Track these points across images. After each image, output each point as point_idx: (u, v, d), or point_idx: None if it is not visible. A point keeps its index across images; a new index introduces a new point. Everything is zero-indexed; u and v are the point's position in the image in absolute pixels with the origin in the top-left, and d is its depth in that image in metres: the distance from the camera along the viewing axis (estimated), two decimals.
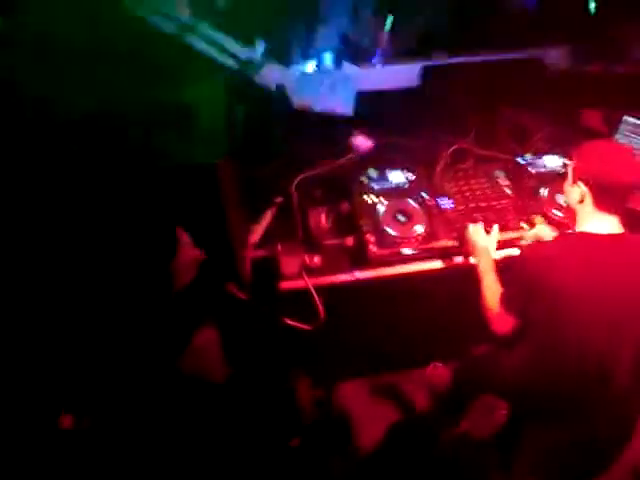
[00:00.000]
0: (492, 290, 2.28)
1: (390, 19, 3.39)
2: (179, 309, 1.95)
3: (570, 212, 2.20)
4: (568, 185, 2.16)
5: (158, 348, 1.89)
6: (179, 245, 1.91)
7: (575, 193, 2.11)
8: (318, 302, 2.44)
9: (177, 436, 1.97)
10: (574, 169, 2.14)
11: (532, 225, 2.59)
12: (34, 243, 2.21)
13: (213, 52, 2.90)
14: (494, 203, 2.62)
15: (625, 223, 2.09)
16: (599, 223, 2.06)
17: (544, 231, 2.52)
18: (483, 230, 2.48)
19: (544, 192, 2.69)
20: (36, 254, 2.19)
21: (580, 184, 2.08)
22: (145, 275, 1.87)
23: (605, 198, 2.05)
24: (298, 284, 2.45)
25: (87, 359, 1.93)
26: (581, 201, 2.09)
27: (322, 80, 2.96)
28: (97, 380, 1.92)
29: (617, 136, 2.89)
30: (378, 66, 3.12)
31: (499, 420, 2.57)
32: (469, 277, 2.49)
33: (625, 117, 2.87)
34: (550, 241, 2.26)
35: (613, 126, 2.92)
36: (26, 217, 2.28)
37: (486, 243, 2.44)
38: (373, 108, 2.91)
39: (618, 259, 2.01)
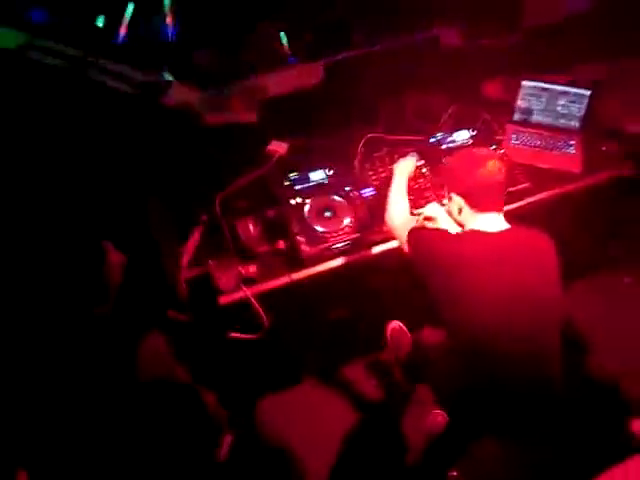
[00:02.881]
0: (396, 202, 2.43)
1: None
2: (117, 318, 1.94)
3: None
4: (446, 201, 2.29)
5: (103, 360, 1.87)
6: (105, 254, 1.90)
7: (453, 207, 2.23)
8: (260, 310, 2.46)
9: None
10: (445, 187, 2.28)
11: (451, 199, 2.67)
12: None
13: (113, 82, 2.89)
14: (412, 184, 2.68)
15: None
16: (480, 222, 2.15)
17: (435, 209, 2.59)
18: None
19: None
20: None
21: (454, 197, 2.20)
22: (75, 286, 1.85)
23: (477, 201, 2.15)
24: (237, 296, 2.46)
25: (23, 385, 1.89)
26: (460, 212, 2.20)
27: (227, 92, 2.99)
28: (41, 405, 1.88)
29: (519, 101, 3.01)
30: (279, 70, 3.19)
31: (433, 427, 2.68)
32: (404, 260, 2.58)
33: (523, 82, 2.99)
34: (440, 231, 2.32)
35: (514, 92, 3.05)
36: None
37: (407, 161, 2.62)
38: (282, 110, 2.96)
39: (504, 254, 2.07)
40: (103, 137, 2.77)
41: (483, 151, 2.30)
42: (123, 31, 3.70)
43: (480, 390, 2.11)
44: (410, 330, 2.94)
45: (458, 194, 2.19)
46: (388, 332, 3.09)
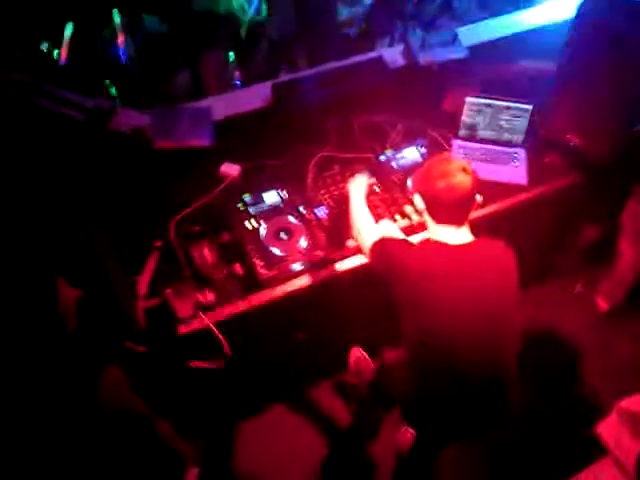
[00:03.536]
0: (360, 219, 2.40)
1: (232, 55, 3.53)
2: (77, 351, 1.89)
3: None
4: (414, 200, 2.28)
5: (63, 393, 1.81)
6: (58, 288, 1.85)
7: (417, 205, 2.24)
8: (221, 338, 2.43)
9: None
10: (413, 182, 2.29)
11: (404, 216, 2.71)
12: None
13: (59, 108, 2.82)
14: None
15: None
16: (442, 234, 2.15)
17: (388, 225, 2.63)
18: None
19: (409, 182, 2.82)
20: None
21: (416, 196, 2.22)
22: (30, 323, 1.79)
23: (438, 214, 2.15)
24: (196, 324, 2.42)
25: None
26: (422, 214, 2.23)
27: (177, 116, 2.96)
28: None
29: (463, 117, 3.09)
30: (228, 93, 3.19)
31: (403, 444, 2.71)
32: (362, 277, 2.61)
33: (467, 98, 3.06)
34: (404, 243, 2.29)
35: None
36: None
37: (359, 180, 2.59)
38: (233, 133, 2.95)
39: (463, 268, 2.09)
40: (50, 166, 2.70)
41: (455, 161, 2.16)
42: (64, 53, 3.66)
43: (439, 398, 2.15)
44: (371, 353, 2.96)
45: (420, 197, 2.20)
46: (351, 361, 3.11)
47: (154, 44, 3.87)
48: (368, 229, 2.36)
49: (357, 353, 3.12)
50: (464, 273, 2.08)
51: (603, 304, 3.50)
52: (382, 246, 2.25)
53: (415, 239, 2.40)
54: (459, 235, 2.15)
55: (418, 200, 2.21)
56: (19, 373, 1.80)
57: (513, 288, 2.15)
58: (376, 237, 2.29)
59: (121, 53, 3.76)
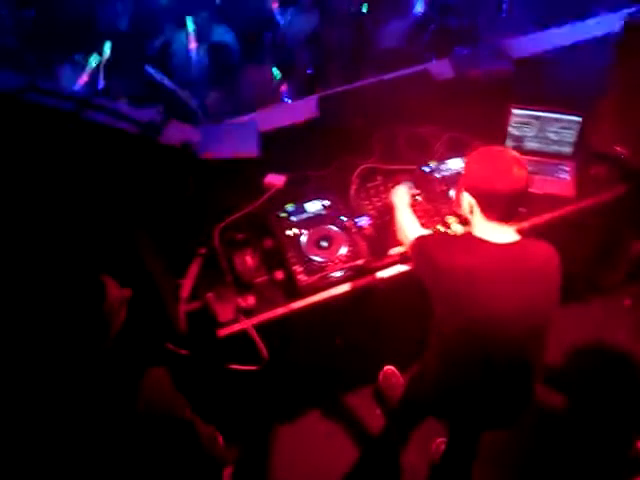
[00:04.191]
0: (407, 224, 2.39)
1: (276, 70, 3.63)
2: (120, 352, 1.95)
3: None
4: (460, 194, 2.20)
5: (105, 394, 1.87)
6: (105, 288, 1.92)
7: (464, 202, 2.15)
8: (259, 342, 2.47)
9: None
10: (461, 179, 2.18)
11: (447, 226, 2.70)
12: None
13: (113, 121, 2.96)
14: None
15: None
16: (490, 231, 2.09)
17: (459, 230, 2.63)
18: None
19: (452, 193, 2.81)
20: None
21: (466, 194, 2.12)
22: (76, 323, 1.87)
23: (490, 209, 2.07)
24: (236, 328, 2.47)
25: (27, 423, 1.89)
26: (471, 211, 2.13)
27: (225, 130, 3.06)
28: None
29: (510, 129, 3.06)
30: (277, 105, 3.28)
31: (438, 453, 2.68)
32: (401, 286, 2.61)
33: (512, 110, 3.04)
34: (446, 239, 2.31)
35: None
36: None
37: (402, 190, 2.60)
38: (279, 145, 3.02)
39: (500, 271, 2.04)
40: (105, 176, 2.84)
41: (509, 154, 2.08)
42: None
43: (469, 384, 2.17)
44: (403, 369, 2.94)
45: (470, 193, 2.11)
46: (381, 377, 3.11)
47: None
48: (413, 227, 2.36)
49: (388, 371, 3.11)
50: (506, 272, 2.04)
51: None
52: (425, 239, 2.24)
53: None
54: (505, 233, 2.09)
55: (467, 198, 2.12)
56: (62, 370, 1.87)
57: (553, 291, 2.11)
58: (419, 233, 2.29)
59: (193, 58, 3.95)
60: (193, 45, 4.06)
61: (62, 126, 2.83)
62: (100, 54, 3.99)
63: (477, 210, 2.11)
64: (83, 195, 2.71)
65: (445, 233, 2.39)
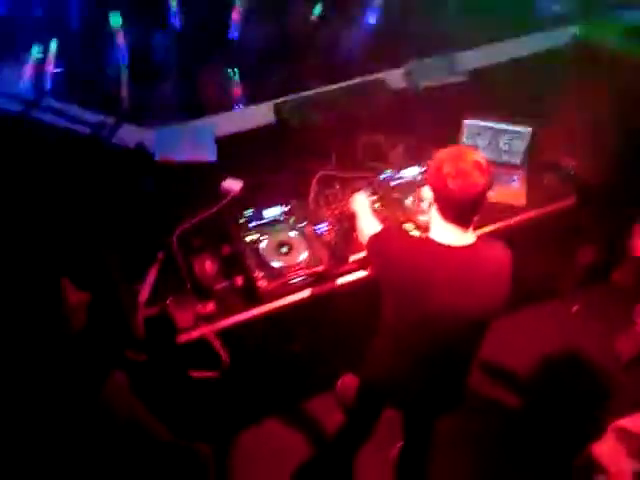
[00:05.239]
0: (369, 225, 2.40)
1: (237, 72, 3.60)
2: (79, 356, 1.90)
3: None
4: (421, 197, 2.26)
5: (65, 397, 1.82)
6: (64, 291, 1.87)
7: (426, 197, 2.17)
8: (219, 348, 2.45)
9: None
10: (425, 182, 2.19)
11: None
12: None
13: (63, 122, 2.89)
14: None
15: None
16: (445, 233, 2.10)
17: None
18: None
19: (409, 201, 2.86)
20: None
21: (427, 188, 2.13)
22: (34, 324, 1.81)
23: (446, 209, 2.07)
24: (196, 334, 2.44)
25: None
26: (430, 206, 2.15)
27: (181, 132, 3.02)
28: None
29: (463, 139, 3.14)
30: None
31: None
32: (357, 292, 2.64)
33: (465, 121, 3.12)
34: (404, 239, 2.30)
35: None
36: None
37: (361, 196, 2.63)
38: (236, 150, 3.00)
39: (461, 272, 2.08)
40: (55, 179, 2.76)
41: (474, 157, 2.03)
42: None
43: (407, 371, 2.28)
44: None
45: (430, 189, 2.11)
46: (339, 386, 3.13)
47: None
48: (373, 224, 2.39)
49: (347, 380, 3.13)
50: (455, 276, 2.08)
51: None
52: (382, 234, 2.27)
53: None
54: (462, 236, 2.11)
55: (427, 192, 2.13)
56: (21, 374, 1.81)
57: (502, 292, 2.16)
58: (378, 227, 2.33)
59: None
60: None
61: (10, 129, 2.74)
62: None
63: (434, 207, 2.12)
64: (38, 197, 2.62)
65: (403, 230, 2.42)
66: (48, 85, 3.67)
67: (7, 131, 2.90)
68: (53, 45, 3.87)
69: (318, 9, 4.23)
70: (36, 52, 3.77)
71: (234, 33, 4.08)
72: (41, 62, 3.73)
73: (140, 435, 1.97)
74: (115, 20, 3.88)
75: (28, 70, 3.65)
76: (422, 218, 2.72)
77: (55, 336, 1.84)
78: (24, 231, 2.50)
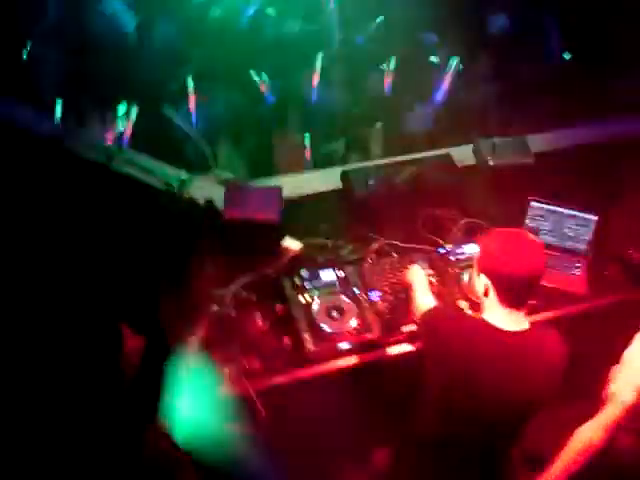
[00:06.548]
0: (425, 302, 2.38)
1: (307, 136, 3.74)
2: (131, 400, 1.95)
3: None
4: (474, 276, 2.18)
5: (116, 434, 1.86)
6: (124, 336, 1.94)
7: (479, 285, 2.12)
8: (259, 406, 2.45)
9: None
10: (477, 260, 2.15)
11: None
12: None
13: (139, 174, 3.05)
14: None
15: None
16: (502, 317, 2.07)
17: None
18: None
19: (465, 277, 2.84)
20: None
21: (482, 276, 2.09)
22: (96, 367, 1.88)
23: (507, 293, 2.04)
24: (237, 389, 2.46)
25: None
26: (485, 294, 2.10)
27: (249, 192, 3.13)
28: None
29: (527, 221, 3.11)
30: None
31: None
32: (405, 364, 2.60)
33: (531, 203, 3.10)
34: (457, 319, 2.25)
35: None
36: None
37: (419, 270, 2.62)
38: (299, 212, 3.08)
39: (510, 359, 2.05)
40: (129, 227, 2.90)
41: (527, 236, 2.09)
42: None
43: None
44: None
45: (486, 275, 2.08)
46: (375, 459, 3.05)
47: None
48: (427, 299, 2.39)
49: (381, 455, 3.04)
50: (510, 364, 2.04)
51: None
52: (436, 311, 2.26)
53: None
54: (516, 320, 2.08)
55: (483, 280, 2.09)
56: (77, 418, 1.87)
57: (553, 383, 2.10)
58: (433, 304, 2.32)
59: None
60: None
61: (94, 176, 2.92)
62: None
63: (492, 293, 2.08)
64: (112, 242, 2.76)
65: (457, 309, 2.40)
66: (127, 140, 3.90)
67: (91, 178, 3.07)
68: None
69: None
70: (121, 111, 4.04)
71: (312, 97, 4.25)
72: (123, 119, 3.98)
73: None
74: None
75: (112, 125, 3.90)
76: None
77: (111, 381, 1.90)
78: (95, 273, 2.62)
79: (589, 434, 2.19)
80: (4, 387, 2.17)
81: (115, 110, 3.76)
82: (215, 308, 2.67)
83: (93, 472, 1.84)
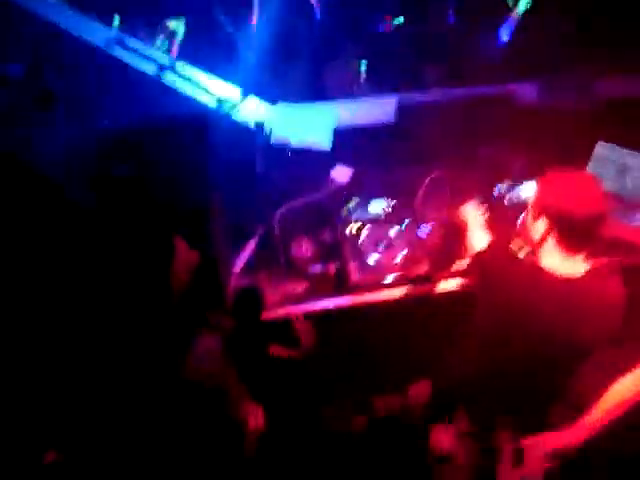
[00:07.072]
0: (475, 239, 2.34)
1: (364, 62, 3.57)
2: (179, 314, 1.96)
3: None
4: (530, 220, 2.07)
5: (158, 353, 1.88)
6: (176, 249, 1.92)
7: (537, 229, 2.01)
8: (301, 329, 2.45)
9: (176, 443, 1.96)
10: (534, 204, 2.03)
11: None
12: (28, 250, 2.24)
13: (192, 90, 2.98)
14: None
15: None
16: (559, 262, 1.99)
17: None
18: None
19: (521, 219, 2.74)
20: (31, 260, 2.21)
21: (541, 220, 1.99)
22: (145, 279, 1.88)
23: (567, 236, 1.95)
24: (281, 312, 2.45)
25: (84, 365, 1.92)
26: (543, 238, 2.00)
27: (301, 115, 3.04)
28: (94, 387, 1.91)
29: (590, 164, 2.97)
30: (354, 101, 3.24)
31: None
32: (447, 301, 2.56)
33: (598, 145, 2.95)
34: (511, 261, 2.13)
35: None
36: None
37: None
38: (351, 142, 2.99)
39: (563, 304, 1.97)
40: (178, 147, 2.86)
41: (586, 176, 2.01)
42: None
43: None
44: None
45: (547, 218, 1.96)
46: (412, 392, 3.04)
47: None
48: (482, 238, 2.32)
49: (420, 387, 3.04)
50: (563, 309, 1.97)
51: None
52: (489, 251, 2.19)
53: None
54: (574, 265, 1.99)
55: (542, 223, 1.98)
56: (124, 323, 1.88)
57: (606, 329, 2.03)
58: (486, 243, 2.25)
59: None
60: None
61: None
62: None
63: (550, 237, 1.98)
64: (161, 158, 2.74)
65: (510, 250, 2.30)
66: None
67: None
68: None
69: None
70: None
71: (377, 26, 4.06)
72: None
73: (221, 401, 2.00)
74: None
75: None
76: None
77: (158, 293, 1.89)
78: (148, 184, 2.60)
79: (629, 386, 2.12)
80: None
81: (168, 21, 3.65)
82: (261, 230, 2.65)
83: (136, 390, 1.86)
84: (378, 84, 3.62)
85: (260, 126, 3.02)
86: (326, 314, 2.51)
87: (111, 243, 2.10)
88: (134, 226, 2.08)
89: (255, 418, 2.17)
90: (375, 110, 3.21)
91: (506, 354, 2.10)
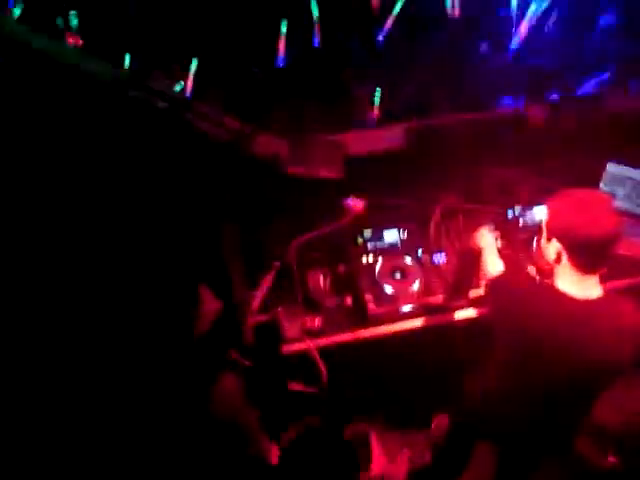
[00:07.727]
0: (494, 266, 2.29)
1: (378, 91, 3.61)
2: (199, 354, 1.99)
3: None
4: (543, 241, 2.07)
5: (181, 393, 1.91)
6: (201, 296, 1.96)
7: (550, 251, 2.02)
8: (320, 364, 2.46)
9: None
10: (547, 224, 2.04)
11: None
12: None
13: (206, 124, 3.02)
14: None
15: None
16: (574, 284, 1.99)
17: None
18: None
19: (534, 243, 2.74)
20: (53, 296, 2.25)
21: (554, 241, 2.00)
22: (168, 322, 1.92)
23: (580, 257, 1.95)
24: (300, 347, 2.47)
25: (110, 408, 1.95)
26: (557, 260, 2.01)
27: (313, 146, 3.07)
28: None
29: (601, 185, 2.97)
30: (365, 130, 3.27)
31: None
32: (466, 329, 2.56)
33: (608, 166, 2.95)
34: (527, 286, 2.15)
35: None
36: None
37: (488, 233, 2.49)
38: (363, 169, 3.01)
39: (581, 327, 1.97)
40: (193, 179, 2.90)
41: (600, 196, 2.00)
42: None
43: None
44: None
45: (559, 239, 1.97)
46: (434, 427, 3.03)
47: None
48: (497, 264, 2.28)
49: (441, 420, 3.03)
50: (580, 332, 1.97)
51: None
52: (505, 276, 2.18)
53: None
54: (589, 287, 1.99)
55: (554, 245, 1.99)
56: (143, 363, 1.92)
57: (625, 354, 2.01)
58: (502, 269, 2.22)
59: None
60: None
61: (162, 124, 2.90)
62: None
63: (565, 258, 1.98)
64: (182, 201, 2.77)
65: (526, 274, 2.31)
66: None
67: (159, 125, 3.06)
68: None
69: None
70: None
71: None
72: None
73: (240, 439, 2.02)
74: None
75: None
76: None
77: (180, 336, 1.93)
78: (176, 233, 2.63)
79: None
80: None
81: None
82: (277, 265, 2.67)
83: (162, 423, 1.89)
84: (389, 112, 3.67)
85: (275, 157, 3.06)
86: (345, 347, 2.52)
87: (140, 287, 2.13)
88: (162, 273, 2.12)
89: (274, 456, 2.19)
90: (386, 138, 3.23)
91: (526, 380, 2.11)
